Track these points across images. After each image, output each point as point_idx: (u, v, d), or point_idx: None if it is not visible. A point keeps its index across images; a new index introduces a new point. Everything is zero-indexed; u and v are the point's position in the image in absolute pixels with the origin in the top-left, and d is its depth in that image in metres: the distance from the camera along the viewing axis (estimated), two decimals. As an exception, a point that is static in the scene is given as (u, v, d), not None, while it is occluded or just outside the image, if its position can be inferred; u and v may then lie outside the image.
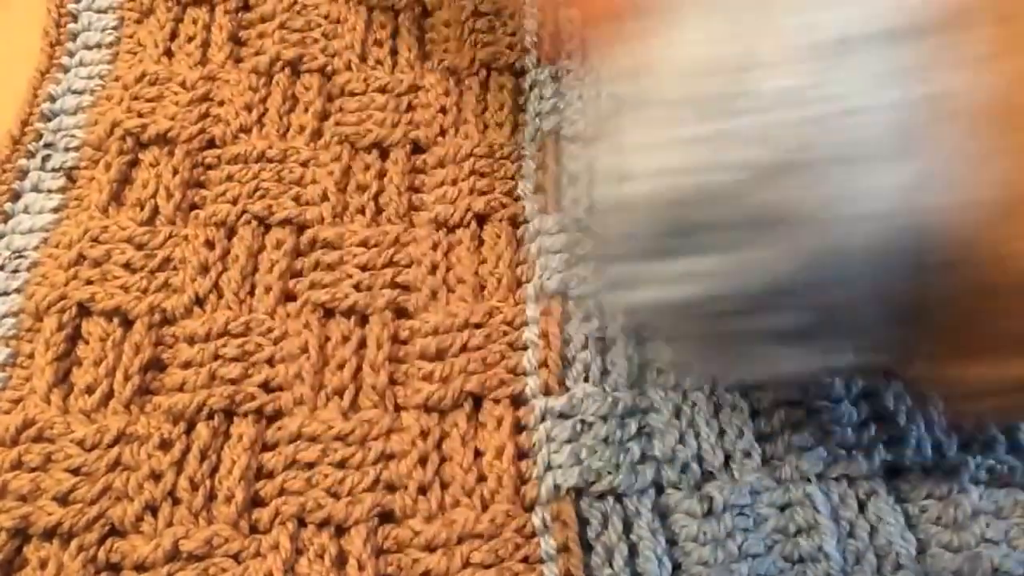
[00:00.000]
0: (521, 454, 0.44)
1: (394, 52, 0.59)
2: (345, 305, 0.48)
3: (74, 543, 0.41)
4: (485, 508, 0.43)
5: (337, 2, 0.60)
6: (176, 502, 0.42)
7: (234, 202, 0.52)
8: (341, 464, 0.43)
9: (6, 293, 0.48)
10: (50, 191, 0.53)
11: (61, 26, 0.59)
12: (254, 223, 0.51)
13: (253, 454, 0.44)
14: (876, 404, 0.45)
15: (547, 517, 0.42)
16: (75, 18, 0.60)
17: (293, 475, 0.43)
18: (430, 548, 0.41)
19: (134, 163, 0.53)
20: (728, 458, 0.44)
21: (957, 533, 0.41)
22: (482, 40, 0.59)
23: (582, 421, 0.44)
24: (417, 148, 0.55)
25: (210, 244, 0.50)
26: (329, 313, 0.49)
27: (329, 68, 0.58)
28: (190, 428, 0.44)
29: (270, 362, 0.47)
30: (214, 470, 0.43)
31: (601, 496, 0.42)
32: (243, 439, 0.44)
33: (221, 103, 0.56)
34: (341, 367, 0.47)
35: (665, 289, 0.34)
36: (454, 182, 0.53)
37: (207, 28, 0.59)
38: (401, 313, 0.49)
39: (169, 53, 0.58)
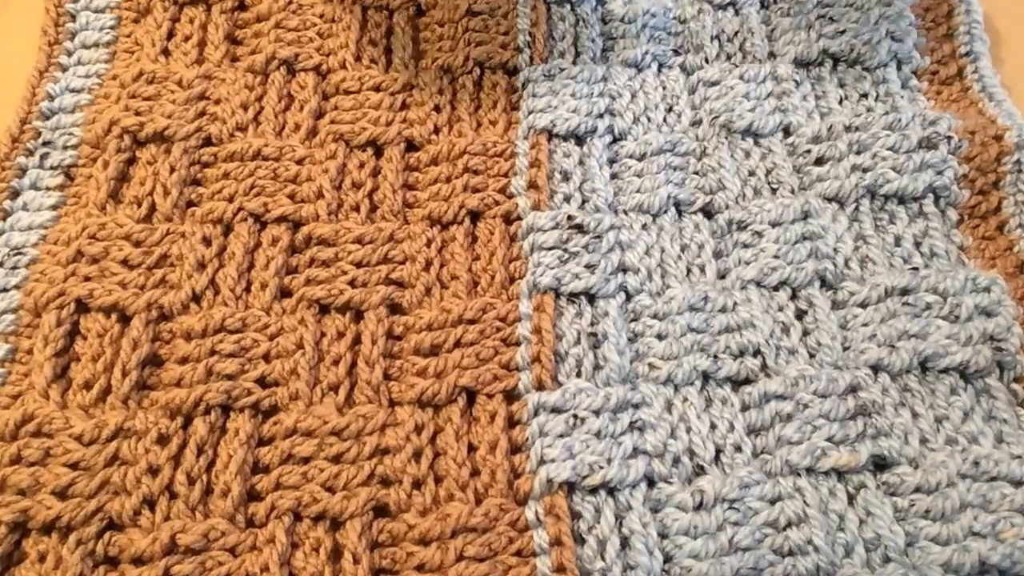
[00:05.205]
0: (514, 448, 0.45)
1: (388, 51, 0.60)
2: (340, 301, 0.49)
3: (73, 537, 0.41)
4: (479, 502, 0.43)
5: (332, 1, 0.61)
6: (173, 496, 0.43)
7: (230, 199, 0.52)
8: (336, 459, 0.44)
9: (5, 289, 0.49)
10: (49, 189, 0.53)
11: (59, 25, 0.60)
12: (250, 220, 0.52)
13: (249, 449, 0.44)
14: (863, 398, 0.45)
15: (540, 511, 0.42)
16: (73, 17, 0.60)
17: (289, 470, 0.43)
18: (424, 542, 0.42)
19: (132, 161, 0.54)
20: (719, 452, 0.45)
21: (945, 526, 0.42)
22: (475, 39, 0.59)
23: (575, 416, 0.45)
24: (411, 146, 0.55)
25: (207, 241, 0.51)
26: (324, 309, 0.49)
27: (324, 67, 0.58)
28: (187, 423, 0.45)
29: (266, 358, 0.47)
30: (211, 465, 0.44)
31: (593, 490, 0.43)
32: (239, 434, 0.44)
33: (218, 101, 0.56)
34: (336, 363, 0.47)
35: None
36: (448, 179, 0.53)
37: (204, 27, 0.60)
38: (396, 309, 0.50)
39: (166, 52, 0.59)
